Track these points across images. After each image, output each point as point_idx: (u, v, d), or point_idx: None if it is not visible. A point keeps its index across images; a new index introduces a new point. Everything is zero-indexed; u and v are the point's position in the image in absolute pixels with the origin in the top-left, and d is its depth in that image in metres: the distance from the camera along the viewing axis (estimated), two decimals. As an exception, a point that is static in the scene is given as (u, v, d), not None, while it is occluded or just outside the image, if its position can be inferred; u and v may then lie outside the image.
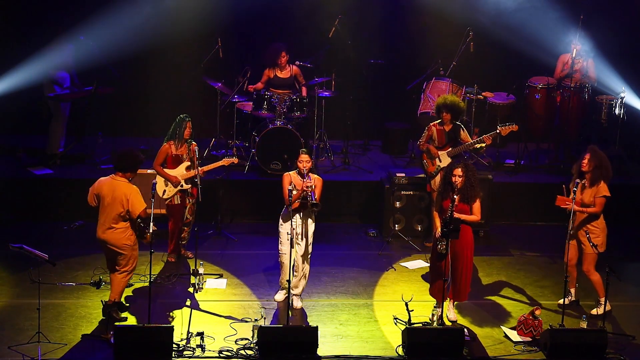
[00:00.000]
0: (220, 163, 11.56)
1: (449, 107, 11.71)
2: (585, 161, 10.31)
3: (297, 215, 10.32)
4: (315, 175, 10.44)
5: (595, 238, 10.31)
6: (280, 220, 10.43)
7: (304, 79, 14.00)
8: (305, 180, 10.25)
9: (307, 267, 10.49)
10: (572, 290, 10.70)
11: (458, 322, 10.29)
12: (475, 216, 10.08)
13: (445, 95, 12.07)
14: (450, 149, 11.80)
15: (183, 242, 11.74)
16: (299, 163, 10.32)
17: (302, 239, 10.31)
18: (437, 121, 11.90)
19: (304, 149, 10.47)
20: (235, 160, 11.66)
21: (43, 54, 13.53)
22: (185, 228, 11.66)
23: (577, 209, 10.27)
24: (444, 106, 11.74)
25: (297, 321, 10.22)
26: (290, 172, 10.44)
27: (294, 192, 10.13)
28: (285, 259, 10.37)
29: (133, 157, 10.05)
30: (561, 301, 10.61)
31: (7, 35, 14.35)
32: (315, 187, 10.26)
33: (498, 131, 11.76)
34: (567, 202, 10.24)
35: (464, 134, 11.84)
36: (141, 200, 9.90)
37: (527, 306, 10.66)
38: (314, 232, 10.51)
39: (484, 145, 11.69)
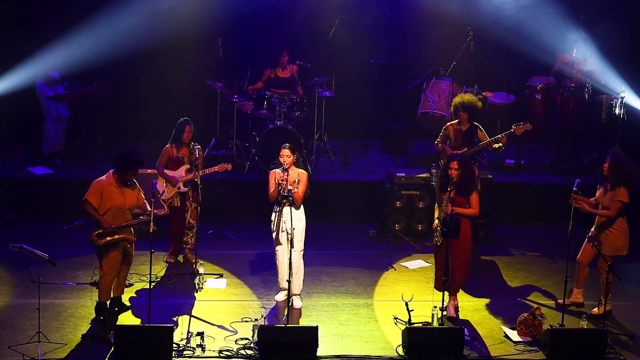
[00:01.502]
0: (215, 169, 11.55)
1: (467, 106, 11.68)
2: (606, 166, 10.27)
3: (280, 209, 10.36)
4: (300, 170, 10.51)
5: (616, 241, 10.28)
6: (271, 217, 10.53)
7: (299, 79, 14.02)
8: (282, 173, 10.34)
9: (299, 263, 10.47)
10: (575, 291, 10.67)
11: (458, 317, 10.30)
12: (473, 209, 10.17)
13: (462, 94, 12.03)
14: (466, 149, 11.76)
15: (188, 246, 11.73)
16: (280, 158, 10.43)
17: (288, 233, 10.29)
18: (455, 121, 11.88)
19: (286, 144, 10.52)
20: (229, 167, 11.63)
21: (41, 54, 13.54)
22: (188, 232, 11.65)
23: (591, 211, 10.27)
24: (461, 106, 11.70)
25: (294, 322, 10.21)
26: (276, 169, 10.51)
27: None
28: (278, 256, 10.46)
29: (121, 157, 9.98)
30: (560, 301, 10.61)
31: (7, 35, 14.34)
32: (298, 181, 10.35)
33: (512, 130, 11.75)
34: (580, 202, 10.24)
35: (482, 134, 11.81)
36: (89, 191, 9.83)
37: (527, 306, 10.66)
38: (313, 232, 10.50)
39: (501, 145, 11.68)
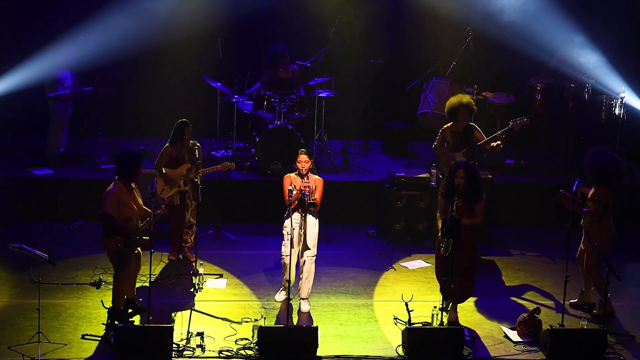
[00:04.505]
0: (218, 167, 11.55)
1: (466, 105, 11.60)
2: (588, 168, 10.29)
3: (297, 215, 10.33)
4: (316, 176, 10.46)
5: (601, 239, 10.27)
6: (284, 222, 10.44)
7: (301, 79, 14.02)
8: (303, 180, 10.28)
9: (311, 268, 10.43)
10: (587, 292, 10.67)
11: (458, 321, 10.28)
12: (477, 219, 9.98)
13: (459, 95, 11.95)
14: (465, 150, 11.73)
15: (187, 245, 11.73)
16: (297, 163, 10.37)
17: (303, 239, 10.30)
18: (449, 124, 11.80)
19: (302, 149, 10.49)
20: (232, 166, 11.64)
21: (44, 54, 13.55)
22: (188, 231, 11.64)
23: (575, 209, 10.28)
24: (461, 105, 11.58)
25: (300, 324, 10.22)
26: (290, 174, 10.46)
27: (294, 193, 10.18)
28: (286, 260, 10.33)
29: (123, 162, 9.95)
30: (573, 300, 10.65)
31: (7, 35, 14.35)
32: (316, 187, 10.31)
33: (510, 126, 11.74)
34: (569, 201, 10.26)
35: (479, 134, 11.77)
36: (105, 203, 9.74)
37: (527, 306, 10.66)
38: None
39: (499, 142, 11.63)
